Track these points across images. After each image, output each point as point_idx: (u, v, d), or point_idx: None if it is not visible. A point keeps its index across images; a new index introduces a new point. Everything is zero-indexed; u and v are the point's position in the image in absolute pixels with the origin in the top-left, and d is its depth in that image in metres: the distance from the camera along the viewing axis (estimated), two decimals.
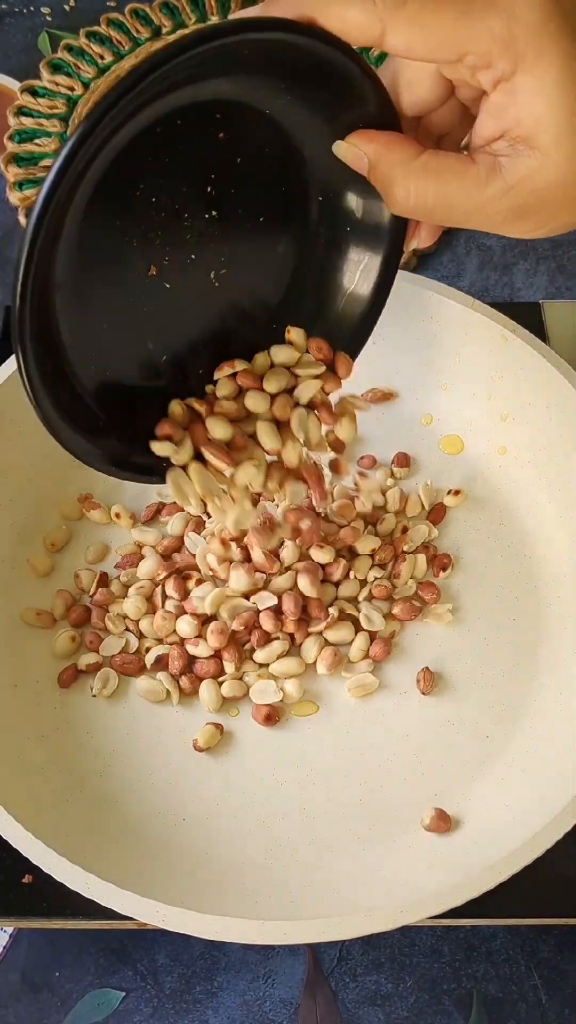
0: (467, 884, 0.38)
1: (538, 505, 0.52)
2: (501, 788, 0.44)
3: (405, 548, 0.51)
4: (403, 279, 0.53)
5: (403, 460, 0.54)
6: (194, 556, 0.50)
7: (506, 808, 0.43)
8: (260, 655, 0.48)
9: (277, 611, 0.48)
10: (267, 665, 0.48)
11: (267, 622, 0.47)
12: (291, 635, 0.48)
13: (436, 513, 0.53)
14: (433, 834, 0.43)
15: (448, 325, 0.53)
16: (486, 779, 0.45)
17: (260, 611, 0.48)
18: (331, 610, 0.48)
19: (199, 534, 0.51)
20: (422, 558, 0.51)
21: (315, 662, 0.48)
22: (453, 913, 0.38)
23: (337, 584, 0.49)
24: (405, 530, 0.51)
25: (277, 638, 0.48)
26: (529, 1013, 0.45)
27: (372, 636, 0.48)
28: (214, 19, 0.77)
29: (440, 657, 0.49)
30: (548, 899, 0.43)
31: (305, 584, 0.47)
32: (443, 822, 0.43)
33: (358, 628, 0.48)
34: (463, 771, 0.45)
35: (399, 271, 0.53)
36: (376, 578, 0.50)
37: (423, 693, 0.47)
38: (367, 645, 0.48)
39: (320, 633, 0.48)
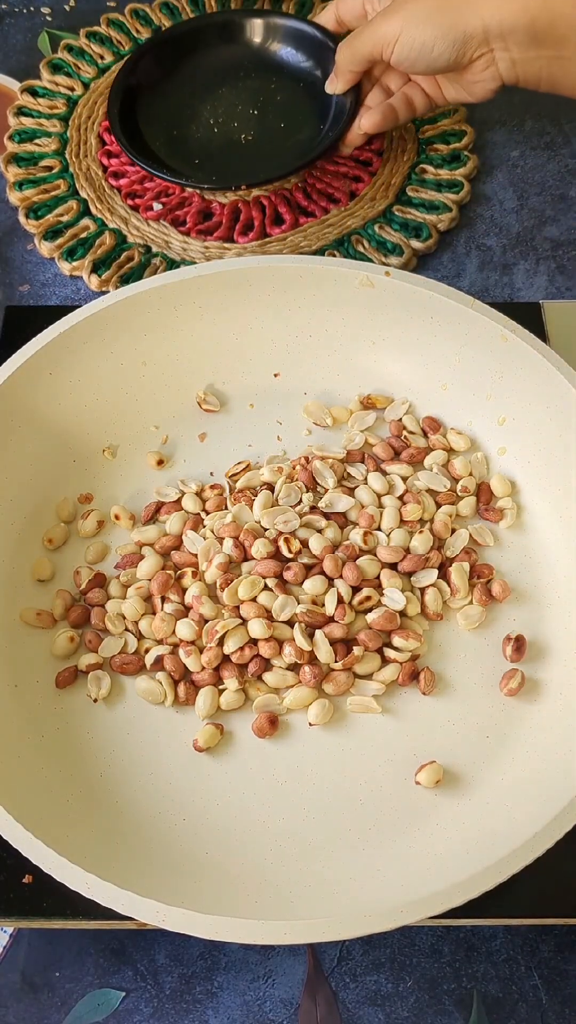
0: (467, 884, 0.38)
1: (537, 504, 0.52)
2: (501, 788, 0.44)
3: (448, 554, 0.51)
4: (403, 279, 0.53)
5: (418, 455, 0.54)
6: (193, 555, 0.50)
7: (506, 808, 0.43)
8: (270, 679, 0.47)
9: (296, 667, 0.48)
10: (277, 690, 0.48)
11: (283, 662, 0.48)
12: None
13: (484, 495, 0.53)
14: (430, 833, 0.43)
15: (448, 325, 0.53)
16: (486, 779, 0.45)
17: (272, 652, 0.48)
18: (356, 650, 0.47)
19: (197, 532, 0.51)
20: (466, 566, 0.50)
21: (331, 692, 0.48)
22: (453, 913, 0.38)
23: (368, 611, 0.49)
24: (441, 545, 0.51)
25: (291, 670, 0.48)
26: (529, 1013, 0.45)
27: (399, 663, 0.48)
28: None
29: (440, 657, 0.49)
30: (548, 899, 0.43)
31: (324, 654, 0.47)
32: (435, 775, 0.44)
33: (385, 659, 0.48)
34: (463, 771, 0.45)
35: (399, 271, 0.54)
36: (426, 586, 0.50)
37: (423, 693, 0.47)
38: (395, 676, 0.47)
39: (346, 671, 0.48)
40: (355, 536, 0.50)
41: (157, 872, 0.41)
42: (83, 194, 0.69)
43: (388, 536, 0.50)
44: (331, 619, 0.48)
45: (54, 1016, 0.45)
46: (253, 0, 0.79)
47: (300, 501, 0.51)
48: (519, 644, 0.48)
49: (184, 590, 0.49)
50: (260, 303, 0.55)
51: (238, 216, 0.68)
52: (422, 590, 0.50)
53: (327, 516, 0.51)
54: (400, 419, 0.55)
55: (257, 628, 0.47)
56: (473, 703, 0.47)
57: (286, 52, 0.72)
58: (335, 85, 0.66)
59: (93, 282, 0.65)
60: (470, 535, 0.51)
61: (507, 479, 0.53)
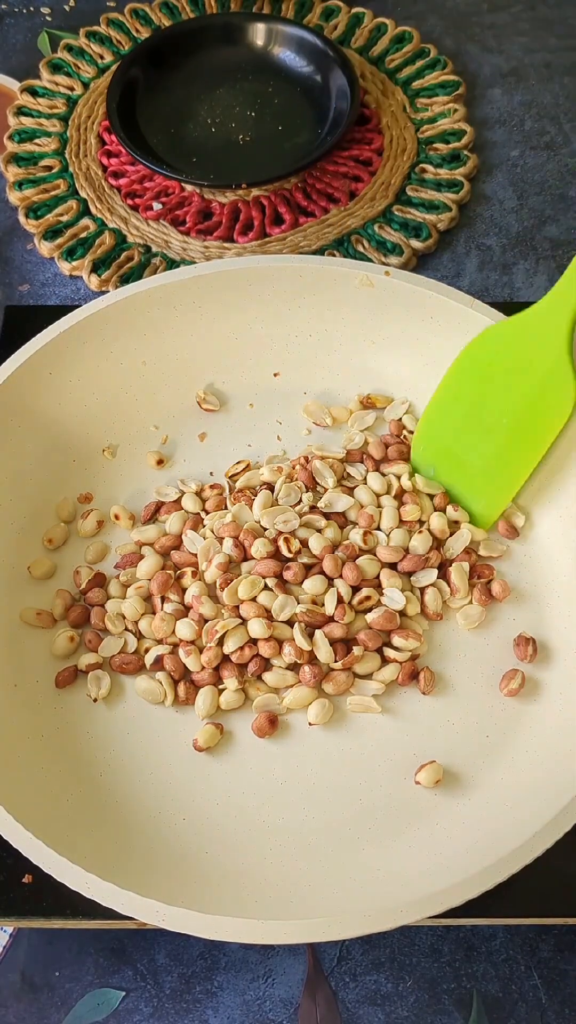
0: (467, 884, 0.38)
1: (537, 504, 0.52)
2: (501, 788, 0.44)
3: (448, 555, 0.51)
4: (403, 279, 0.53)
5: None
6: (193, 554, 0.50)
7: (506, 808, 0.43)
8: (270, 678, 0.47)
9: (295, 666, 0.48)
10: (277, 690, 0.48)
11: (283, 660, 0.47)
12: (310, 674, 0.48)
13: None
14: (430, 833, 0.43)
15: (448, 325, 0.53)
16: (486, 779, 0.45)
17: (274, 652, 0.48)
18: (356, 649, 0.47)
19: (197, 532, 0.51)
20: (466, 566, 0.50)
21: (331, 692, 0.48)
22: (453, 913, 0.38)
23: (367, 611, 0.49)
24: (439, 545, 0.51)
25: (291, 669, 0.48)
26: (529, 1013, 0.45)
27: (399, 663, 0.48)
28: None
29: (440, 657, 0.49)
30: (548, 899, 0.43)
31: (324, 654, 0.47)
32: (435, 775, 0.44)
33: (384, 659, 0.48)
34: (463, 771, 0.45)
35: (399, 271, 0.54)
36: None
37: (423, 693, 0.47)
38: (395, 675, 0.47)
39: (346, 670, 0.47)
40: (355, 536, 0.50)
41: (157, 872, 0.41)
42: (83, 194, 0.69)
43: (388, 536, 0.50)
44: (331, 619, 0.48)
45: (54, 1016, 0.45)
46: (252, 1, 0.79)
47: (300, 501, 0.51)
48: (536, 647, 0.48)
49: (184, 590, 0.49)
50: (260, 303, 0.55)
51: (238, 216, 0.68)
52: (422, 590, 0.50)
53: (327, 516, 0.51)
54: (400, 419, 0.55)
55: (257, 628, 0.47)
56: (473, 703, 0.47)
57: (285, 56, 0.73)
58: None
59: (93, 282, 0.65)
60: (470, 535, 0.51)
61: None
